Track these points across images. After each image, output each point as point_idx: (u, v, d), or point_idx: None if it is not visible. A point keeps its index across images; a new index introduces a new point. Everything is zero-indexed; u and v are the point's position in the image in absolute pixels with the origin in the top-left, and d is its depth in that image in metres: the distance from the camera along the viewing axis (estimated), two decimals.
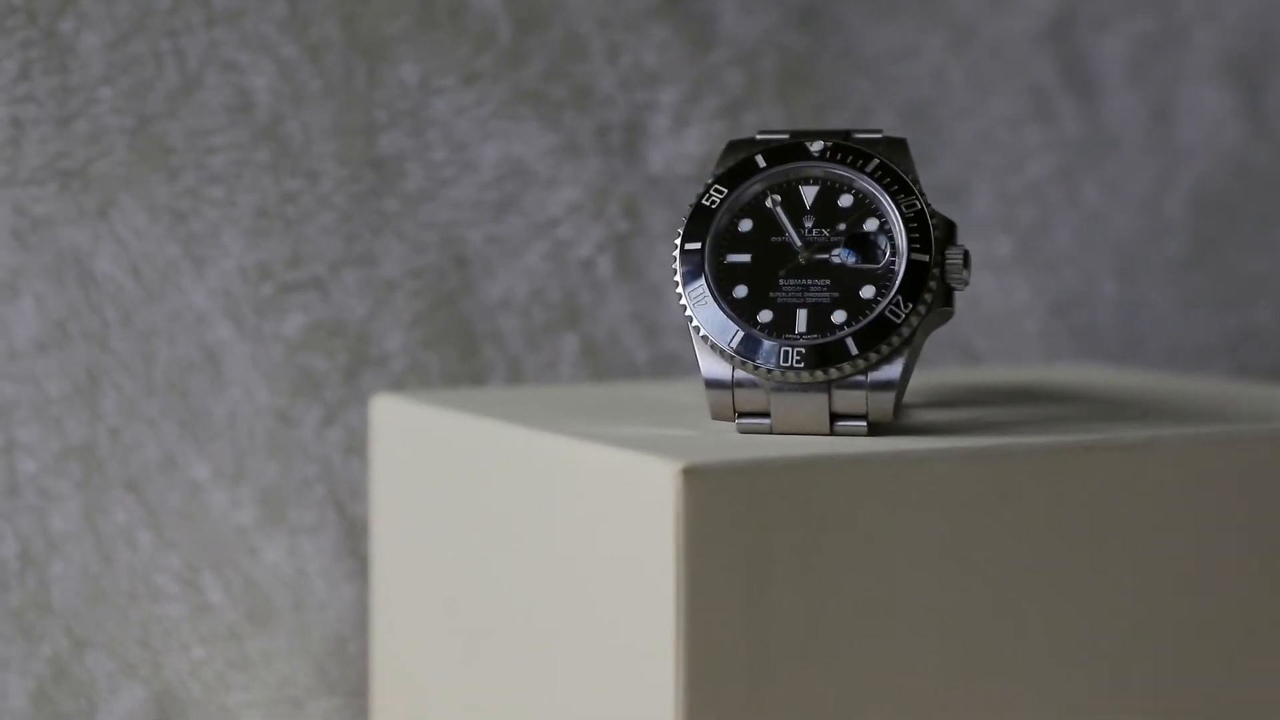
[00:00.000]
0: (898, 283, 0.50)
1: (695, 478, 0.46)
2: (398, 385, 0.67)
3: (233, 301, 0.65)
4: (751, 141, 0.53)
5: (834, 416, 0.50)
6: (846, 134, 0.53)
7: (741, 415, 0.51)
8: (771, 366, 0.50)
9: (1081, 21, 0.77)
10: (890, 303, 0.50)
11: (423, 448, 0.60)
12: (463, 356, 0.68)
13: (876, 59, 0.74)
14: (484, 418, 0.56)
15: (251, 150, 0.65)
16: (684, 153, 0.71)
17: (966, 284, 0.51)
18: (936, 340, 0.75)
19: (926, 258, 0.50)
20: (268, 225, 0.65)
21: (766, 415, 0.51)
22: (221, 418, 0.65)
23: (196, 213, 0.64)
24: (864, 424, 0.50)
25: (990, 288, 0.75)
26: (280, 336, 0.65)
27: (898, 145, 0.52)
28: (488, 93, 0.68)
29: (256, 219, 0.65)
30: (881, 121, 0.74)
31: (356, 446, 0.66)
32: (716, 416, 0.51)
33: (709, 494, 0.46)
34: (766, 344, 0.50)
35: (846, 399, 0.50)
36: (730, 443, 0.49)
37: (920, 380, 0.67)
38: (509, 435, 0.54)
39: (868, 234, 0.51)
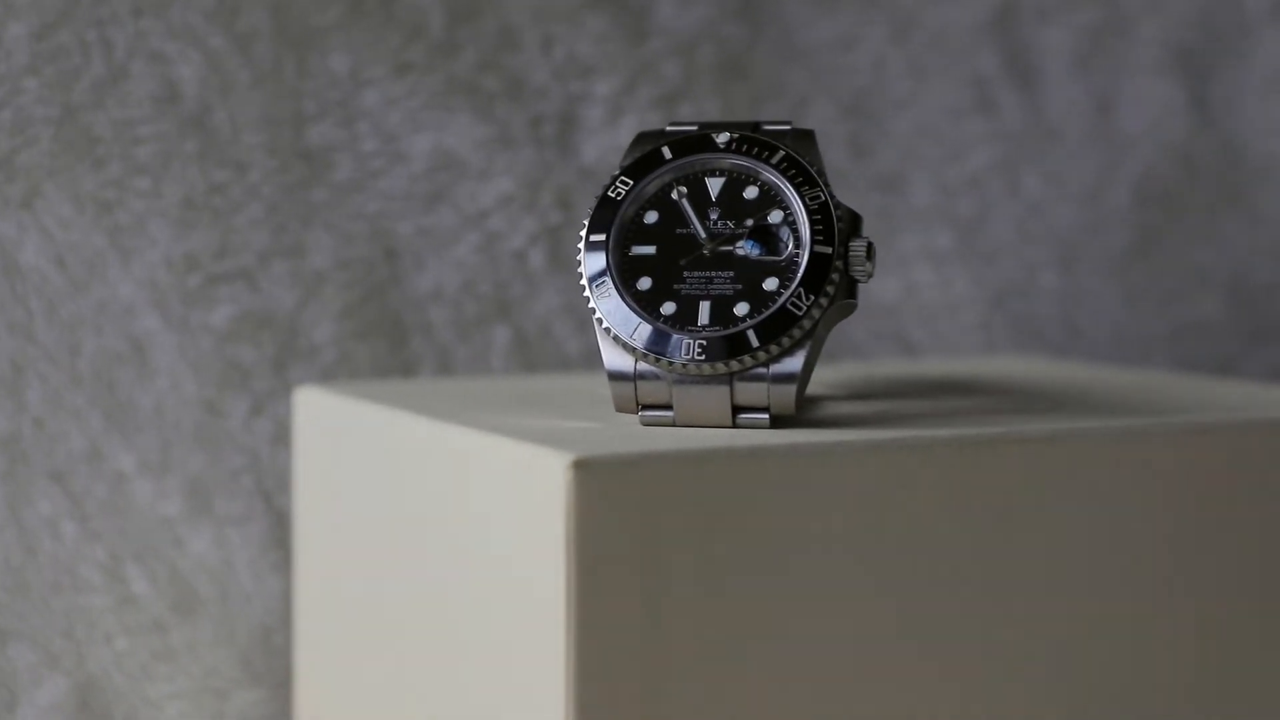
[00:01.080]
0: (800, 275, 0.50)
1: (586, 471, 0.46)
2: (327, 377, 0.67)
3: (159, 292, 0.65)
4: (661, 133, 0.53)
5: (736, 409, 0.50)
6: (755, 126, 0.53)
7: (644, 408, 0.51)
8: (673, 359, 0.50)
9: (1025, 12, 0.76)
10: (792, 295, 0.50)
11: (343, 440, 0.60)
12: (392, 348, 0.68)
13: (815, 50, 0.73)
14: (395, 409, 0.56)
15: (179, 141, 0.65)
16: (618, 145, 0.70)
17: (870, 276, 0.51)
18: (873, 332, 0.75)
19: (829, 250, 0.50)
20: (195, 216, 0.65)
21: (669, 408, 0.50)
22: (148, 409, 0.64)
23: (123, 203, 0.64)
24: (766, 416, 0.50)
25: (929, 279, 0.75)
26: (208, 327, 0.65)
27: (805, 137, 0.52)
28: (419, 84, 0.68)
29: (184, 210, 0.65)
30: (820, 112, 0.74)
31: (284, 438, 0.66)
32: (620, 409, 0.51)
33: (600, 487, 0.46)
34: (668, 336, 0.50)
35: (748, 391, 0.50)
36: (627, 435, 0.49)
37: (849, 372, 0.66)
38: (416, 427, 0.54)
39: (771, 226, 0.51)
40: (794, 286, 0.50)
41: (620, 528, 0.46)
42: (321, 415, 0.61)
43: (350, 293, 0.67)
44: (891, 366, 0.69)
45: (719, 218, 0.52)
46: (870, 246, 0.51)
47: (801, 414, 0.53)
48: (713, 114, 0.72)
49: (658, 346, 0.50)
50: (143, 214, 0.64)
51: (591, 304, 0.51)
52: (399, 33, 0.67)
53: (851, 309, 0.51)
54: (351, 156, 0.67)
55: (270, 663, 0.65)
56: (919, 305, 0.75)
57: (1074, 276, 0.78)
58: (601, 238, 0.51)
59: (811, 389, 0.60)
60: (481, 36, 0.69)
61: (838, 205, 0.51)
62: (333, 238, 0.67)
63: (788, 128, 0.53)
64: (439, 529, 0.53)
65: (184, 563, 0.65)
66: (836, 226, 0.50)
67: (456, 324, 0.69)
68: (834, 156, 0.74)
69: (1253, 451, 0.53)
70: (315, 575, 0.62)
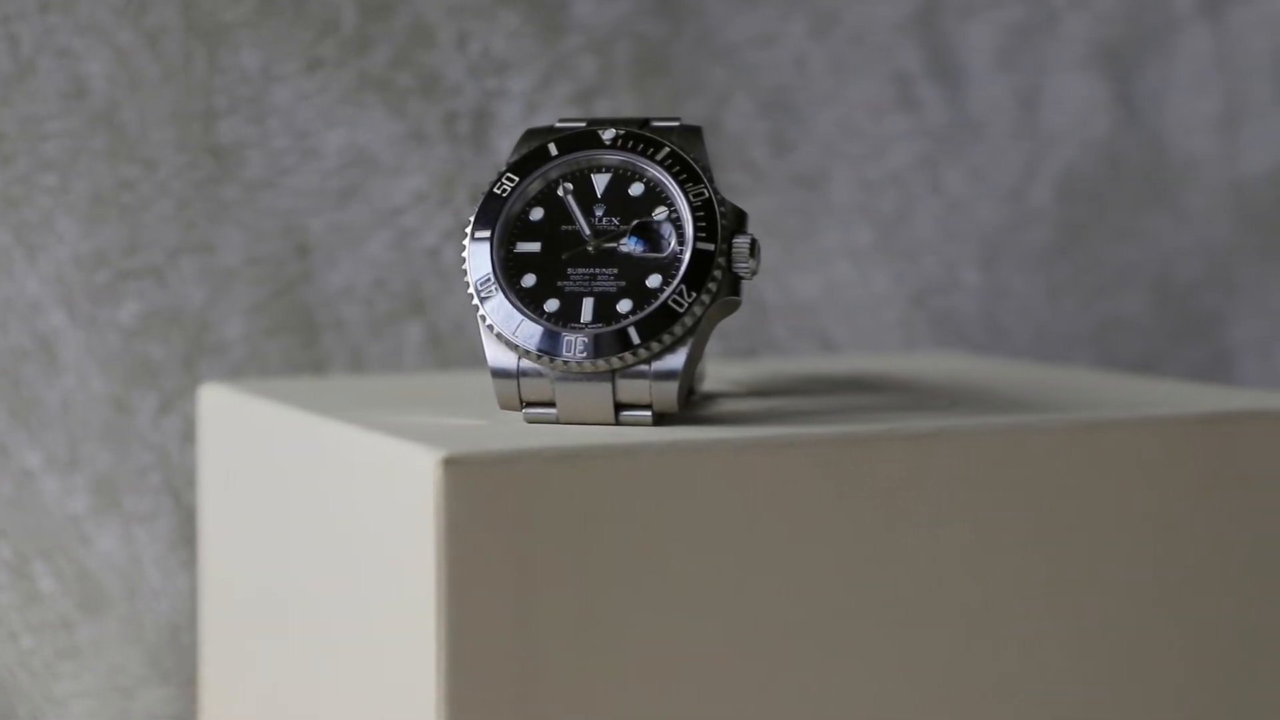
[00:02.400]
0: (682, 272, 0.50)
1: (456, 468, 0.45)
2: (237, 374, 0.67)
3: (67, 289, 0.64)
4: (550, 130, 0.53)
5: (619, 406, 0.50)
6: (644, 123, 0.53)
7: (528, 405, 0.51)
8: (554, 356, 0.49)
9: (948, 9, 0.76)
10: (674, 292, 0.50)
11: (243, 437, 0.59)
12: (304, 345, 0.68)
13: (735, 46, 0.73)
14: (287, 406, 0.55)
15: (87, 137, 0.65)
16: None
17: (754, 273, 0.51)
18: (793, 330, 0.75)
19: (712, 247, 0.50)
20: (103, 212, 0.65)
21: (553, 405, 0.50)
22: (55, 405, 0.64)
23: (30, 200, 0.64)
24: (649, 414, 0.50)
25: (849, 277, 0.75)
26: (116, 324, 0.65)
27: (692, 134, 0.52)
28: (331, 80, 0.68)
29: (92, 206, 0.65)
30: (740, 109, 0.73)
31: (193, 435, 0.66)
32: (504, 406, 0.51)
33: (471, 484, 0.46)
34: (550, 333, 0.50)
35: (630, 388, 0.50)
36: (505, 433, 0.49)
37: (760, 369, 0.66)
38: (305, 424, 0.54)
39: (654, 223, 0.51)
40: (676, 283, 0.50)
41: (492, 526, 0.46)
42: (224, 413, 0.61)
43: (261, 289, 0.67)
44: (804, 364, 0.69)
45: (604, 214, 0.51)
46: (754, 243, 0.50)
47: (689, 411, 0.53)
48: (630, 111, 0.72)
49: (540, 344, 0.50)
50: (50, 210, 0.64)
51: (475, 301, 0.51)
52: (311, 29, 0.67)
53: (735, 306, 0.51)
54: (262, 153, 0.67)
55: (178, 660, 0.65)
56: (839, 303, 0.75)
57: (996, 274, 0.77)
58: (486, 234, 0.51)
59: (714, 385, 0.60)
60: (394, 33, 0.68)
61: (722, 202, 0.51)
62: (243, 234, 0.67)
63: (676, 124, 0.52)
64: (324, 527, 0.52)
65: (91, 560, 0.65)
66: (720, 223, 0.50)
67: (369, 321, 0.68)
68: (754, 153, 0.74)
69: (1143, 449, 0.53)
70: (218, 573, 0.61)
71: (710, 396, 0.57)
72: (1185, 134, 0.80)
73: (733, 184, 0.73)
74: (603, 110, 0.71)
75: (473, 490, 0.46)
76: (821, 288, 0.75)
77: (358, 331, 0.68)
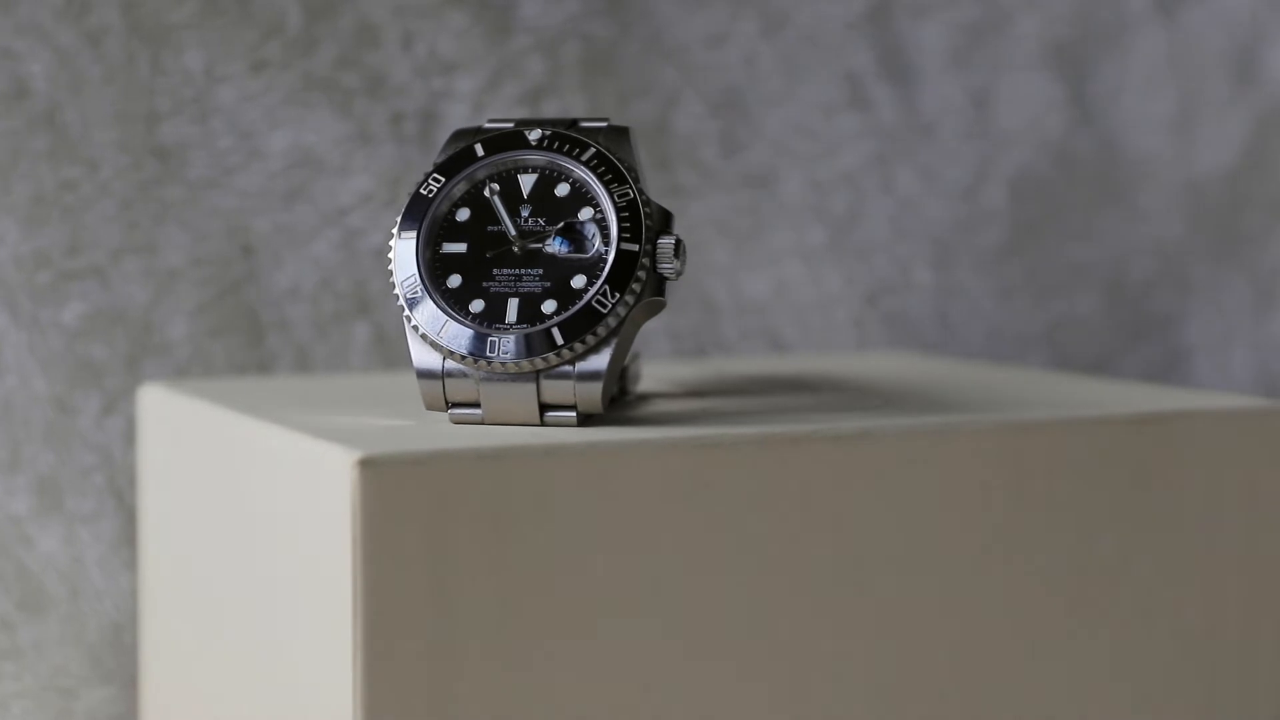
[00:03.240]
0: (606, 272, 0.50)
1: (372, 469, 0.45)
2: (181, 374, 0.66)
3: (8, 290, 0.64)
4: (478, 130, 0.53)
5: (544, 407, 0.50)
6: (573, 123, 0.53)
7: (454, 406, 0.51)
8: (478, 357, 0.49)
9: (900, 8, 0.76)
10: (597, 292, 0.50)
11: (178, 437, 0.59)
12: (249, 345, 0.67)
13: (685, 46, 0.73)
14: (219, 406, 0.55)
15: (28, 138, 0.65)
16: None
17: (679, 274, 0.51)
18: (743, 331, 0.74)
19: (636, 247, 0.50)
20: (45, 213, 0.65)
21: (479, 406, 0.50)
22: None
23: None
24: (574, 414, 0.50)
25: (800, 277, 0.75)
26: (59, 325, 0.65)
27: (620, 134, 0.52)
28: (276, 80, 0.68)
29: (34, 207, 0.65)
30: (690, 109, 0.73)
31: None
32: (430, 407, 0.51)
33: (387, 485, 0.45)
34: (474, 334, 0.50)
35: (555, 389, 0.50)
36: (424, 433, 0.49)
37: (705, 369, 0.66)
38: (232, 424, 0.54)
39: (579, 223, 0.51)
40: (599, 284, 0.50)
41: (409, 526, 0.46)
42: (162, 413, 0.61)
43: (205, 290, 0.67)
44: (748, 364, 0.69)
45: (530, 215, 0.51)
46: (679, 244, 0.50)
47: (618, 412, 0.53)
48: (578, 110, 0.72)
49: (465, 345, 0.50)
50: None
51: (400, 301, 0.51)
52: (255, 30, 0.67)
53: (660, 306, 0.51)
54: (206, 153, 0.67)
55: (120, 661, 0.65)
56: (790, 303, 0.75)
57: (948, 273, 0.77)
58: (412, 235, 0.51)
59: (652, 385, 0.60)
60: (340, 33, 0.68)
61: (647, 203, 0.51)
62: (187, 235, 0.67)
63: (604, 125, 0.52)
64: (249, 527, 0.52)
65: (32, 560, 0.65)
66: (644, 224, 0.50)
67: (315, 321, 0.68)
68: (704, 153, 0.73)
69: (1070, 450, 0.53)
70: (158, 573, 0.61)
71: (645, 397, 0.57)
72: (1139, 133, 0.80)
73: (682, 184, 0.73)
74: (551, 111, 0.71)
75: (389, 491, 0.45)
76: (772, 288, 0.75)
77: (303, 331, 0.68)
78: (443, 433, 0.49)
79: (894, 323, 0.77)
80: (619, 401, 0.55)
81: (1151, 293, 0.80)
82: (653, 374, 0.62)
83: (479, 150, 0.52)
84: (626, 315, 0.50)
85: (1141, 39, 0.80)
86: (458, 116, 0.70)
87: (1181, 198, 0.81)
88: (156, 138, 0.66)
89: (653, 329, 0.73)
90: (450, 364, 0.50)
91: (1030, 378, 0.66)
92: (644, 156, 0.55)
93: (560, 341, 0.49)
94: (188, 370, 0.67)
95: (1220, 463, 0.54)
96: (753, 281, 0.74)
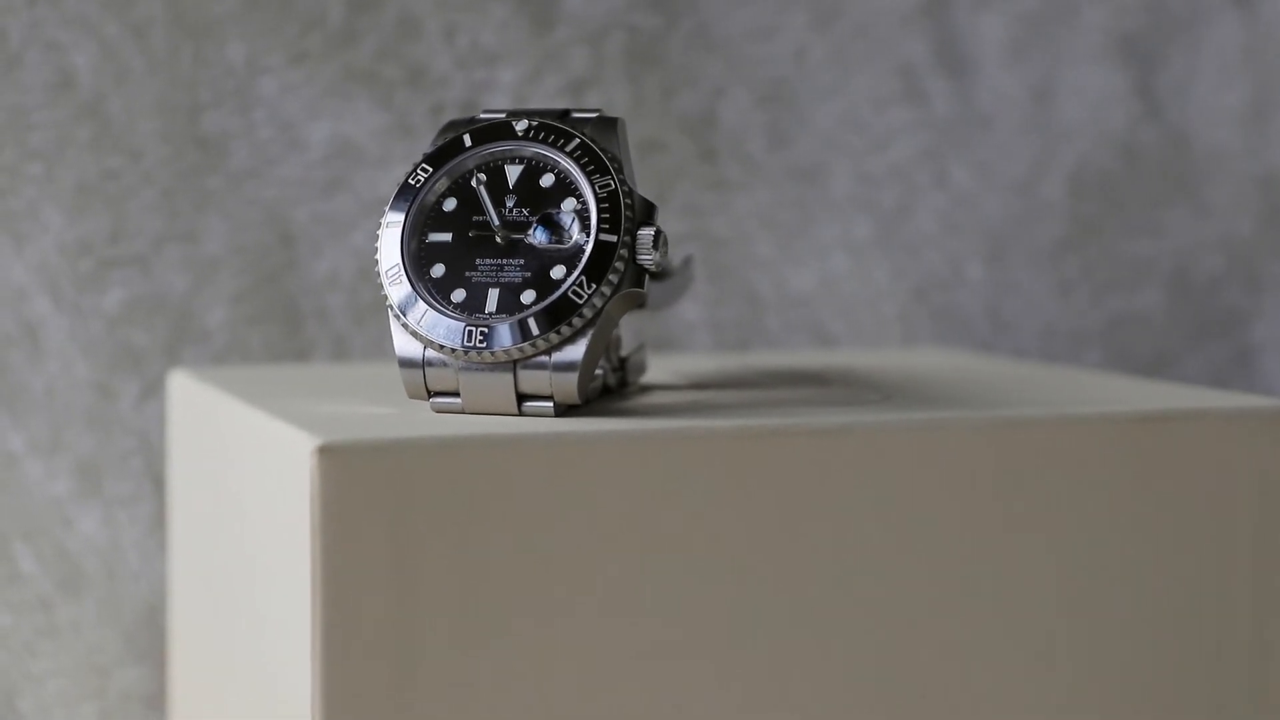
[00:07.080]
0: (583, 263, 0.50)
1: (332, 456, 0.46)
2: (219, 361, 0.68)
3: (51, 276, 0.66)
4: (471, 120, 0.53)
5: (521, 397, 0.50)
6: (565, 113, 0.53)
7: (435, 395, 0.51)
8: (456, 345, 0.50)
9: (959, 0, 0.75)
10: (574, 283, 0.50)
11: (196, 423, 0.61)
12: (287, 333, 0.69)
13: (732, 39, 0.73)
14: (220, 392, 0.56)
15: (73, 128, 0.66)
16: None
17: (660, 266, 0.50)
18: (788, 324, 0.74)
19: (614, 238, 0.50)
20: (88, 202, 0.66)
21: (458, 394, 0.51)
22: (38, 391, 0.66)
23: (15, 189, 0.66)
24: (551, 405, 0.50)
25: (847, 270, 0.74)
26: (100, 311, 0.67)
27: (608, 124, 0.52)
28: (316, 72, 0.69)
29: (77, 195, 0.66)
30: (737, 102, 0.73)
31: None
32: (412, 395, 0.51)
33: (347, 473, 0.46)
34: (454, 323, 0.50)
35: (531, 379, 0.50)
36: (393, 421, 0.49)
37: (720, 362, 0.66)
38: (226, 411, 0.55)
39: (558, 214, 0.51)
40: (576, 274, 0.50)
41: (368, 514, 0.46)
42: (187, 399, 0.62)
43: (244, 278, 0.68)
44: (782, 358, 0.68)
45: (515, 205, 0.51)
46: (659, 235, 0.50)
47: (605, 403, 0.53)
48: (622, 102, 0.72)
49: (444, 334, 0.50)
50: (35, 199, 0.66)
51: (384, 290, 0.51)
52: (296, 22, 0.68)
53: (640, 298, 0.51)
54: (247, 144, 0.68)
55: (154, 641, 0.67)
56: (836, 297, 0.74)
57: (1002, 268, 0.76)
58: (398, 224, 0.52)
59: (661, 377, 0.59)
60: (381, 26, 0.69)
61: (629, 194, 0.50)
62: (227, 224, 0.68)
63: (595, 115, 0.52)
64: (237, 511, 0.53)
65: (72, 542, 0.66)
66: (624, 215, 0.50)
67: (353, 310, 0.69)
68: (751, 147, 0.73)
69: (1067, 448, 0.52)
70: (180, 556, 0.63)
71: (646, 388, 0.57)
72: (1209, 126, 0.78)
73: (728, 177, 0.73)
74: (593, 101, 0.71)
75: (348, 477, 0.46)
76: (818, 281, 0.74)
77: (341, 320, 0.69)
78: (412, 421, 0.49)
79: (942, 318, 0.76)
80: (617, 393, 0.55)
81: (1218, 290, 0.78)
82: (669, 366, 0.62)
83: (467, 141, 0.52)
84: (603, 306, 0.49)
85: (1216, 29, 0.78)
86: (499, 108, 0.70)
87: (1253, 193, 0.78)
88: (198, 128, 0.67)
89: (695, 321, 0.72)
90: (431, 353, 0.50)
91: (1071, 376, 0.64)
92: (635, 149, 0.54)
93: (536, 332, 0.49)
94: (225, 358, 0.68)
95: (1228, 462, 0.53)
96: (798, 275, 0.74)
